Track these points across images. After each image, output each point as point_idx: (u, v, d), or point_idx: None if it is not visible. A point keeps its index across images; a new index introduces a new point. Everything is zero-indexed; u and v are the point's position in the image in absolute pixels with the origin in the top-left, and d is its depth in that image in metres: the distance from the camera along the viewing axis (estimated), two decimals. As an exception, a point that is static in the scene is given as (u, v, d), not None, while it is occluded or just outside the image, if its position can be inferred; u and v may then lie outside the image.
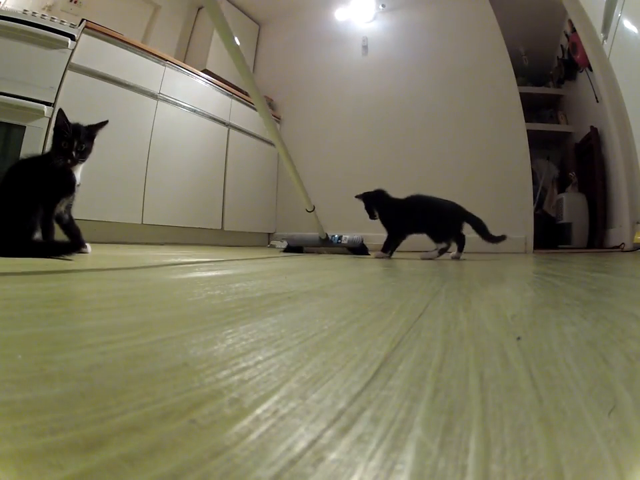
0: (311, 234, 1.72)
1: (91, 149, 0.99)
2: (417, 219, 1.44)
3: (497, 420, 0.13)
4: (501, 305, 0.38)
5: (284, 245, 1.82)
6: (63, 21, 1.62)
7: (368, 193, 1.52)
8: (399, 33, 2.61)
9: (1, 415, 0.12)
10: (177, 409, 0.13)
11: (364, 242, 1.64)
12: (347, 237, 1.66)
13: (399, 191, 1.50)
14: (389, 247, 1.45)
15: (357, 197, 1.53)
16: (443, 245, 1.40)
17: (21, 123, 1.46)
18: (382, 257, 1.43)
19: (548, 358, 0.20)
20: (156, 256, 0.99)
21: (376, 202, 1.50)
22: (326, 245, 1.66)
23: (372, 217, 1.50)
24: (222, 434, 0.11)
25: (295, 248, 1.73)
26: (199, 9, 2.90)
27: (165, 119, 2.00)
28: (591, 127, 2.64)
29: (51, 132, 0.98)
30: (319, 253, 1.69)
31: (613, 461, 0.10)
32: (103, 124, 1.00)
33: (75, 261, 0.74)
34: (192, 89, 2.20)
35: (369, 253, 1.63)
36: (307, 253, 1.69)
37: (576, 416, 0.13)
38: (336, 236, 1.66)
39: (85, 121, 0.98)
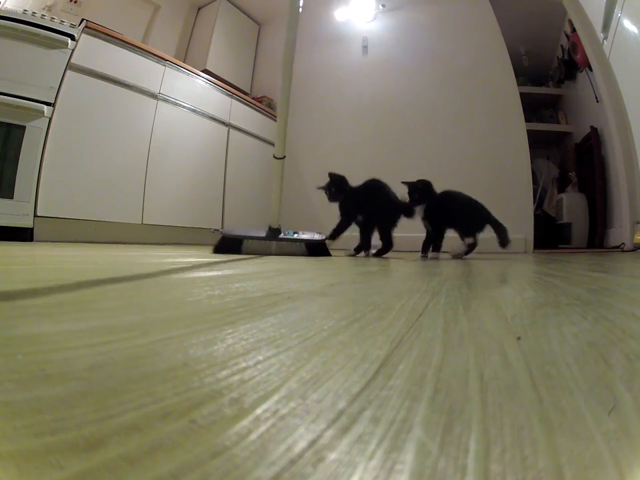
0: (255, 229, 1.40)
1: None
2: (450, 215, 1.44)
3: (497, 420, 0.13)
4: (501, 304, 0.38)
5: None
6: (63, 21, 1.62)
7: (416, 183, 1.46)
8: (399, 33, 2.61)
9: (1, 415, 0.12)
10: (177, 409, 0.13)
11: (325, 241, 1.38)
12: (304, 234, 1.37)
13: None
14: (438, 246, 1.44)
15: (403, 182, 1.47)
16: (471, 241, 1.42)
17: (21, 123, 1.46)
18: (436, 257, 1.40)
19: (548, 358, 0.20)
20: (156, 256, 0.99)
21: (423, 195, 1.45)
22: (276, 239, 1.34)
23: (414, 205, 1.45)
24: (222, 434, 0.11)
25: (230, 245, 1.29)
26: (199, 8, 2.90)
27: (165, 119, 2.00)
28: (591, 127, 2.64)
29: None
30: (265, 253, 1.30)
31: (613, 460, 0.10)
32: None
33: (74, 261, 0.74)
34: (192, 88, 2.20)
35: (330, 253, 1.37)
36: (248, 253, 1.29)
37: (576, 416, 0.13)
38: (291, 231, 1.39)
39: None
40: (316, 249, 1.34)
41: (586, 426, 0.12)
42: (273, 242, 1.35)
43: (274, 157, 1.33)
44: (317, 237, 1.37)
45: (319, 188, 1.53)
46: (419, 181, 1.46)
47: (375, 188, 1.51)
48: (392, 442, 0.11)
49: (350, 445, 0.11)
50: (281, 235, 1.35)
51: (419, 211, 1.46)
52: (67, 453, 0.10)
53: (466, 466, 0.10)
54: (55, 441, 0.11)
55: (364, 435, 0.12)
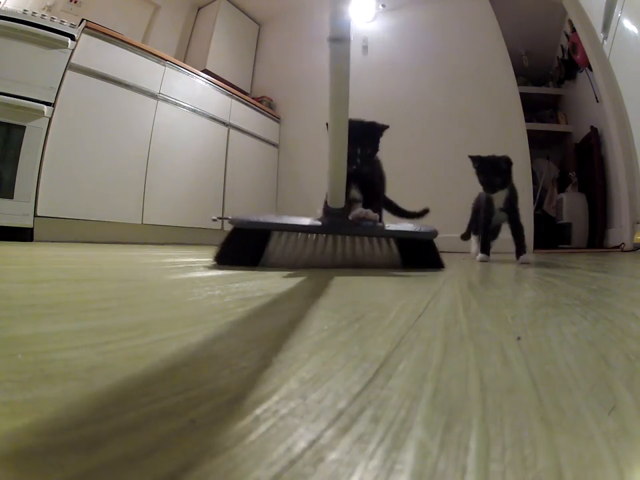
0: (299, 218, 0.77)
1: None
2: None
3: (497, 420, 0.13)
4: (500, 304, 0.38)
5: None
6: (63, 21, 1.62)
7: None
8: (399, 33, 2.61)
9: (1, 415, 0.12)
10: (177, 409, 0.13)
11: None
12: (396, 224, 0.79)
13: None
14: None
15: (471, 157, 1.15)
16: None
17: (21, 123, 1.46)
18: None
19: (548, 358, 0.20)
20: (156, 256, 0.99)
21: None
22: (346, 229, 0.75)
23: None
24: (222, 434, 0.11)
25: (248, 245, 0.72)
26: (199, 8, 2.90)
27: (165, 119, 2.00)
28: (591, 127, 2.64)
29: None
30: (319, 261, 0.73)
31: (613, 460, 0.10)
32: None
33: (74, 261, 0.74)
34: (192, 88, 2.20)
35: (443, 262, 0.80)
36: (277, 265, 0.71)
37: (576, 416, 0.13)
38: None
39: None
40: (420, 254, 0.76)
41: (586, 426, 0.12)
42: (336, 238, 0.74)
43: (328, 40, 0.65)
44: (421, 228, 0.78)
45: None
46: (502, 157, 1.09)
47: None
48: (392, 442, 0.11)
49: (350, 445, 0.11)
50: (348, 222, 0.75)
51: (497, 199, 1.10)
52: (67, 453, 0.10)
53: (466, 466, 0.10)
54: (55, 441, 0.11)
55: (364, 435, 0.12)
